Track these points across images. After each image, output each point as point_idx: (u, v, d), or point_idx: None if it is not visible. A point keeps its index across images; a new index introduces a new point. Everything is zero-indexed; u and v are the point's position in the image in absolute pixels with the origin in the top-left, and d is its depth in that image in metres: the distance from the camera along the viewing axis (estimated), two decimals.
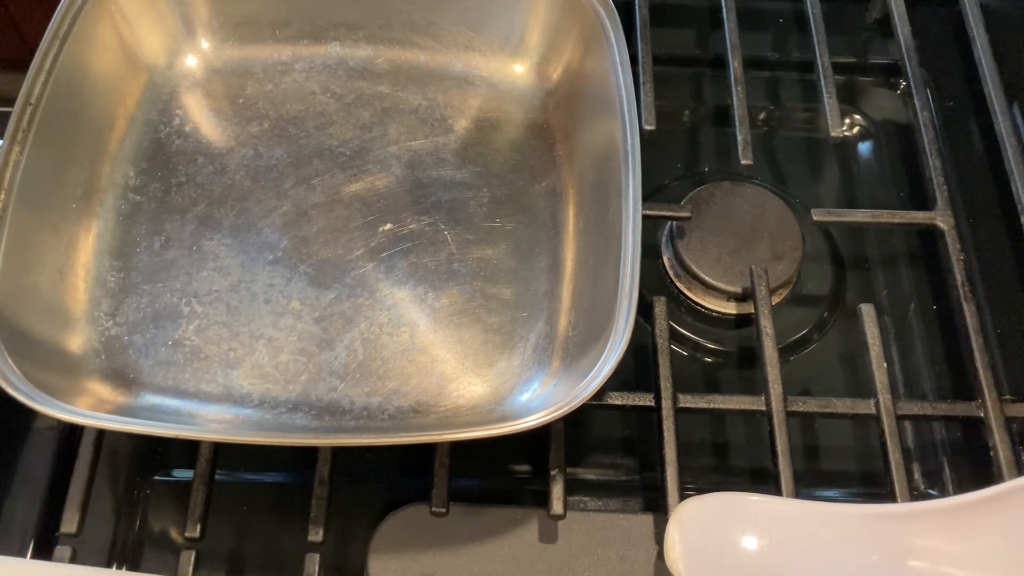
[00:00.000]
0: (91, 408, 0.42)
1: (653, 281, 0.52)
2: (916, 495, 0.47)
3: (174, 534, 0.44)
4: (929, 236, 0.53)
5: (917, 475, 0.48)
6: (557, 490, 0.43)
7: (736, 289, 0.50)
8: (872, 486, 0.48)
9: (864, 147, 0.59)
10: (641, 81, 0.54)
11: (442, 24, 0.53)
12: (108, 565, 0.45)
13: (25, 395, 0.39)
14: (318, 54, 0.54)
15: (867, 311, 0.47)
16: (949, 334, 0.51)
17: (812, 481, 0.48)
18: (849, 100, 0.60)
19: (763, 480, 0.46)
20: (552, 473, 0.43)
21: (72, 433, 0.45)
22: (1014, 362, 0.49)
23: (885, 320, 0.52)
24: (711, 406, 0.46)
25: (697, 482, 0.46)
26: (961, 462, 0.48)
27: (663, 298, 0.48)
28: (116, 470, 0.47)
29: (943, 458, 0.48)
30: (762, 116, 0.59)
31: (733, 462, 0.49)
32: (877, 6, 0.61)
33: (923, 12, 0.60)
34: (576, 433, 0.48)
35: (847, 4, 0.63)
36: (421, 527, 0.43)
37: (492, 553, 0.43)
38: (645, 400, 0.46)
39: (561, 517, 0.42)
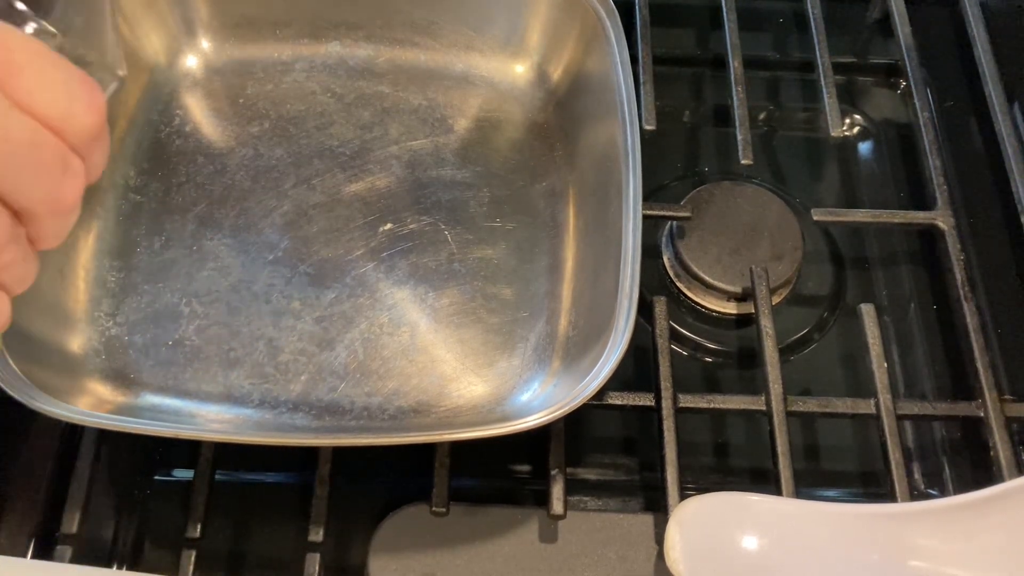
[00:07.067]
0: (91, 408, 0.42)
1: (653, 281, 0.52)
2: (916, 495, 0.46)
3: (174, 534, 0.44)
4: (929, 236, 0.53)
5: (917, 475, 0.48)
6: (557, 490, 0.43)
7: (736, 289, 0.50)
8: (872, 486, 0.48)
9: (864, 147, 0.59)
10: (641, 81, 0.54)
11: (442, 24, 0.53)
12: (108, 565, 0.45)
13: (25, 395, 0.39)
14: (318, 54, 0.54)
15: (867, 311, 0.47)
16: (949, 334, 0.51)
17: (812, 481, 0.48)
18: (849, 100, 0.60)
19: (763, 480, 0.46)
20: (552, 473, 0.43)
21: (72, 433, 0.45)
22: (1014, 362, 0.49)
23: (885, 320, 0.52)
24: (711, 406, 0.46)
25: (697, 482, 0.46)
26: (961, 462, 0.48)
27: (663, 298, 0.48)
28: (116, 470, 0.47)
29: (943, 458, 0.48)
30: (762, 116, 0.59)
31: (733, 462, 0.49)
32: (877, 6, 0.61)
33: (923, 12, 0.60)
34: (576, 433, 0.48)
35: (847, 4, 0.62)
36: (421, 527, 0.43)
37: (492, 553, 0.43)
38: (645, 400, 0.46)
39: (561, 517, 0.42)
